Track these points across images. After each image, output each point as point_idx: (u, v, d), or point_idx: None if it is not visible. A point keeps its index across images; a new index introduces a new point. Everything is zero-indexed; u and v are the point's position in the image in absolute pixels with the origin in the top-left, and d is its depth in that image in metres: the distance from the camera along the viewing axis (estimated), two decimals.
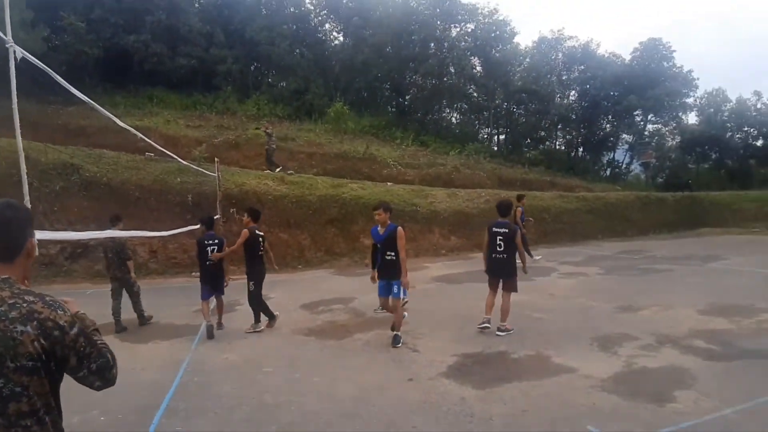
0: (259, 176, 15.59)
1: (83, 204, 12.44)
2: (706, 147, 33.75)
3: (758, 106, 32.90)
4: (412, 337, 6.47)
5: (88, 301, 9.77)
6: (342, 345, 6.31)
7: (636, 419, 3.86)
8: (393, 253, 5.98)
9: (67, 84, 3.99)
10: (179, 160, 10.56)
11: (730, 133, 33.17)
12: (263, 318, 7.20)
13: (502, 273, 6.66)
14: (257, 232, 7.31)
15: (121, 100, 22.85)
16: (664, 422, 3.78)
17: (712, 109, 33.51)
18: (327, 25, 32.21)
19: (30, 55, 3.28)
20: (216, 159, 13.24)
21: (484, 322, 6.55)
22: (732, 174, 32.14)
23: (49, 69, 3.59)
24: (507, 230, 6.52)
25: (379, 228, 6.12)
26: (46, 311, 1.45)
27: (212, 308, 7.34)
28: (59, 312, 1.48)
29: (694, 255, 12.63)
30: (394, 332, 6.24)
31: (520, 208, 11.94)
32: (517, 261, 6.69)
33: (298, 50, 28.97)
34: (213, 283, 7.18)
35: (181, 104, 25.09)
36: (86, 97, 4.20)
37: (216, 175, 12.43)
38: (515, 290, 6.70)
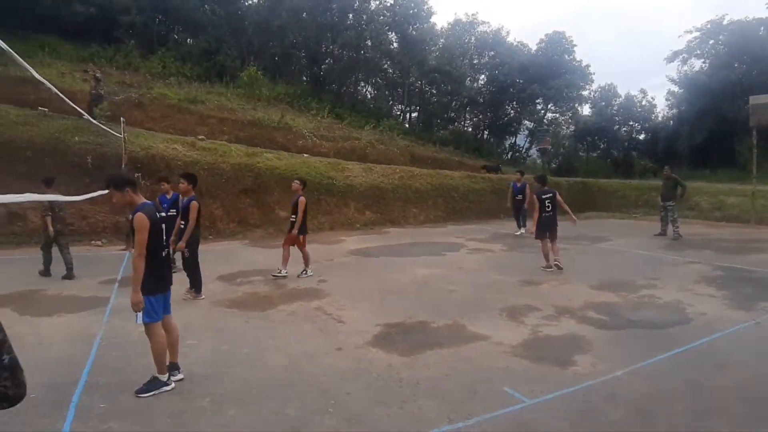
0: (168, 140, 14.71)
1: None
2: (596, 137, 36.87)
3: (643, 103, 36.48)
4: (336, 308, 6.64)
5: None
6: (267, 316, 6.31)
7: (545, 380, 4.33)
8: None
9: None
10: (87, 116, 9.69)
11: (617, 126, 36.43)
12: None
13: (551, 228, 9.01)
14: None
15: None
16: (569, 383, 4.29)
17: (603, 103, 36.50)
18: None
19: None
20: (122, 119, 12.29)
21: (551, 264, 8.89)
22: (617, 163, 35.12)
23: None
24: (552, 194, 9.13)
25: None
26: None
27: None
28: None
29: (584, 236, 13.91)
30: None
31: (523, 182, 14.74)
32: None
33: (208, 6, 27.26)
34: None
35: (77, 56, 22.51)
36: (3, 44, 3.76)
37: (122, 136, 11.55)
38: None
